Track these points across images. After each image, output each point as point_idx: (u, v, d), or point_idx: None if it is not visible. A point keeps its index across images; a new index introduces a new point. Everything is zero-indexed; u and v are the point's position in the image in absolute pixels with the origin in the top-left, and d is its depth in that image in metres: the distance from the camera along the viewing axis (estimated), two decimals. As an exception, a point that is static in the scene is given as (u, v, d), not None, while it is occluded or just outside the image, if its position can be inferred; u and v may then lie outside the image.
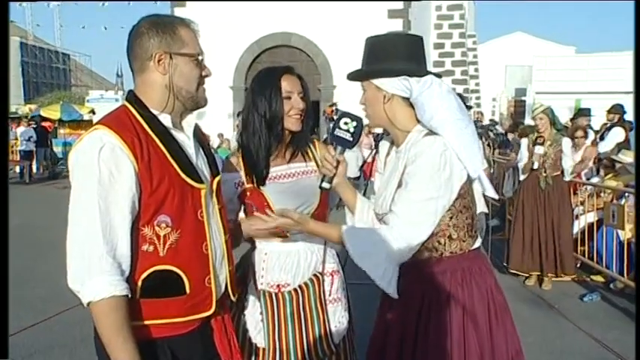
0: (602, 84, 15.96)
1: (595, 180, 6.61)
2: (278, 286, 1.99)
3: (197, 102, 1.65)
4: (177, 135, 1.61)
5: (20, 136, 15.82)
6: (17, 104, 27.41)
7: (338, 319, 2.06)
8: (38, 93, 40.10)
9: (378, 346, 1.91)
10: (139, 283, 1.51)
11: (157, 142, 1.53)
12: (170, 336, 1.56)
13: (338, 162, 1.86)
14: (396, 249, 1.69)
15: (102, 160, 1.44)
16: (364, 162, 7.17)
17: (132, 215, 1.48)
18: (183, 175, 1.55)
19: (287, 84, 2.00)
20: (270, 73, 2.06)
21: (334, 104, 15.14)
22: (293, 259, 2.01)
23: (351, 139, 1.85)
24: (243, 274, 2.07)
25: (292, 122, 2.01)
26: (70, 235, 1.46)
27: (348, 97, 14.94)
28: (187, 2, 16.28)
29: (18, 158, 15.79)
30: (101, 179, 1.43)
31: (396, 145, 1.90)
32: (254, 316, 1.99)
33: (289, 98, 2.00)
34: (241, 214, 2.06)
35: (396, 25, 15.49)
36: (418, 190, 1.69)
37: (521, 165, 5.61)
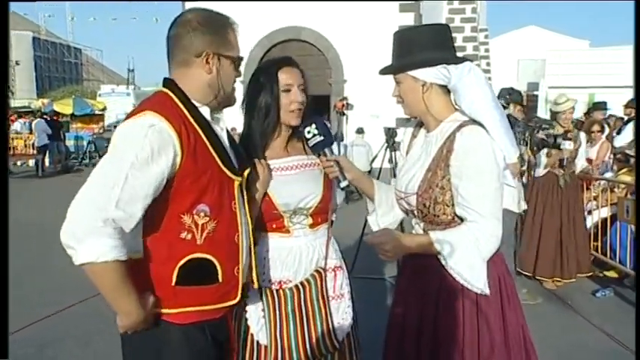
0: (616, 78, 15.80)
1: (608, 175, 6.54)
2: (280, 282, 1.96)
3: (230, 101, 1.72)
4: (215, 127, 1.66)
5: (36, 129, 15.87)
6: (30, 99, 27.62)
7: (341, 315, 2.03)
8: (50, 87, 40.39)
9: (396, 332, 1.92)
10: (176, 271, 1.55)
11: (199, 132, 1.57)
12: (208, 320, 1.64)
13: (336, 162, 1.93)
14: (488, 246, 1.72)
15: (148, 138, 1.46)
16: (375, 156, 7.17)
17: (153, 196, 1.49)
18: (222, 167, 1.60)
19: (286, 76, 1.93)
20: (268, 65, 2.00)
21: (345, 98, 15.12)
22: (295, 256, 1.97)
23: (322, 137, 1.91)
24: None
25: (291, 117, 1.94)
26: (84, 190, 1.45)
27: (358, 91, 14.99)
28: (198, -4, 16.24)
29: (32, 152, 15.89)
30: (141, 154, 1.45)
31: (426, 130, 1.90)
32: (256, 313, 1.95)
33: (288, 91, 1.92)
34: None
35: (407, 20, 15.38)
36: (486, 183, 1.70)
37: (543, 160, 5.22)
